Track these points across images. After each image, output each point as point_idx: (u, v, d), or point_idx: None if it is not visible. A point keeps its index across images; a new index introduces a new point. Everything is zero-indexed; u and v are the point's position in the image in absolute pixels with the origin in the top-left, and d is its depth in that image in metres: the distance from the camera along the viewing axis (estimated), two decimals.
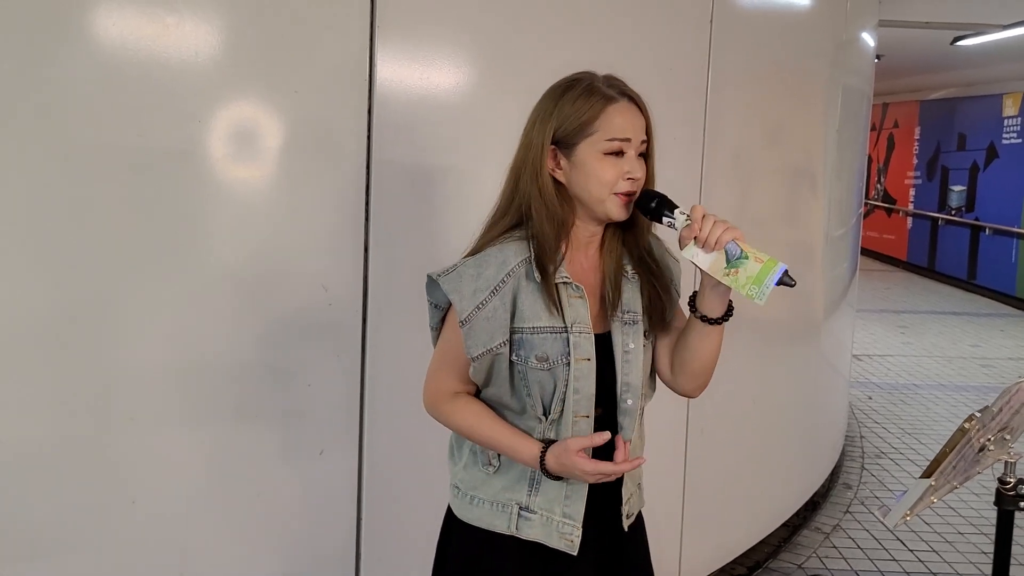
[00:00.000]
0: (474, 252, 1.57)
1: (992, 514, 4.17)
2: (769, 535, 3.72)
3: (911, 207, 12.89)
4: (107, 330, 1.95)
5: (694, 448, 3.09)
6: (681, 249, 1.49)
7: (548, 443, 1.52)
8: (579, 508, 1.56)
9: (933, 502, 1.53)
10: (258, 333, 2.13)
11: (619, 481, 1.60)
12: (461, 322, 1.51)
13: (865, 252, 13.73)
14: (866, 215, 14.03)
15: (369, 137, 2.19)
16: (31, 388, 1.88)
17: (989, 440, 1.48)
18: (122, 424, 1.98)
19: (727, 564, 3.43)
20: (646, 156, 1.55)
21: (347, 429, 2.26)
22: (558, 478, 1.54)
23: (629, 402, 1.56)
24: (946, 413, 5.79)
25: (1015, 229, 10.17)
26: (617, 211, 1.52)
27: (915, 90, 12.60)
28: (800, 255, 3.82)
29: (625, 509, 1.61)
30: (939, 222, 11.95)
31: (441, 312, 1.61)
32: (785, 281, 1.43)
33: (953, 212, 11.66)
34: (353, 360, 2.24)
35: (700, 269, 1.48)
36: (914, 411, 5.82)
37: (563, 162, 1.53)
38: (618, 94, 1.53)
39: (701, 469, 3.14)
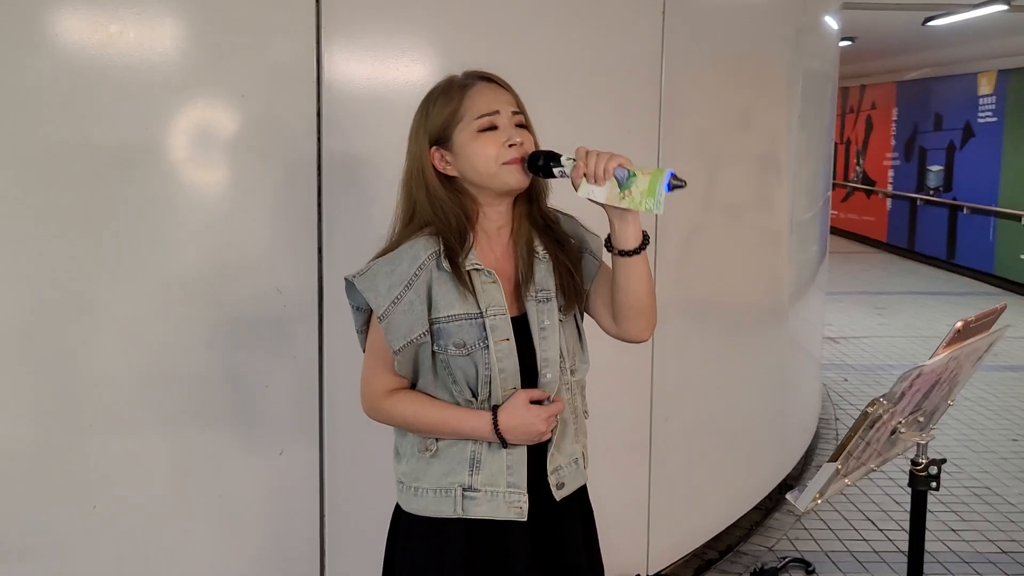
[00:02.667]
0: (385, 252, 1.62)
1: (961, 492, 4.19)
2: (741, 518, 3.76)
3: (890, 188, 12.96)
4: (62, 335, 1.96)
5: (659, 434, 3.13)
6: (576, 191, 1.53)
7: (494, 409, 1.58)
8: (522, 476, 1.61)
9: (847, 484, 1.56)
10: (214, 336, 2.15)
11: (544, 453, 1.64)
12: (379, 317, 1.56)
13: (845, 234, 13.81)
14: (845, 197, 14.10)
15: (319, 139, 2.21)
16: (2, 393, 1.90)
17: (900, 423, 1.51)
18: (81, 429, 2.00)
19: (698, 548, 3.47)
20: (526, 128, 1.61)
21: (307, 429, 2.28)
22: (506, 445, 1.59)
23: (548, 375, 1.62)
24: None
25: (992, 208, 10.24)
26: (513, 178, 1.57)
27: (891, 71, 12.64)
28: (766, 240, 3.85)
29: (553, 479, 1.65)
30: (918, 203, 12.02)
31: (364, 315, 1.66)
32: (676, 184, 1.46)
33: (931, 192, 11.72)
34: (310, 360, 2.26)
35: (598, 203, 1.52)
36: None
37: (448, 156, 1.60)
38: (475, 80, 1.61)
39: (667, 455, 3.18)
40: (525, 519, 1.60)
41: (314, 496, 2.31)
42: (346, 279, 1.62)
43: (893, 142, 12.91)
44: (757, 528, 3.81)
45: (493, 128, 1.57)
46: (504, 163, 1.56)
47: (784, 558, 3.48)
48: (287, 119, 2.18)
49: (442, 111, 1.59)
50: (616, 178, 1.48)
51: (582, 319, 1.72)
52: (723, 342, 3.51)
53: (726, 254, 3.48)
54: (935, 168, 11.68)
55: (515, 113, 1.60)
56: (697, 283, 3.31)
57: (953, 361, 1.61)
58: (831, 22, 4.81)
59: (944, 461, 1.65)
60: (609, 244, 1.58)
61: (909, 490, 1.68)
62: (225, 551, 2.22)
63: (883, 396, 1.46)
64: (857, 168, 13.98)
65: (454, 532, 1.62)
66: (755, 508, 3.88)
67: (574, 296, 1.66)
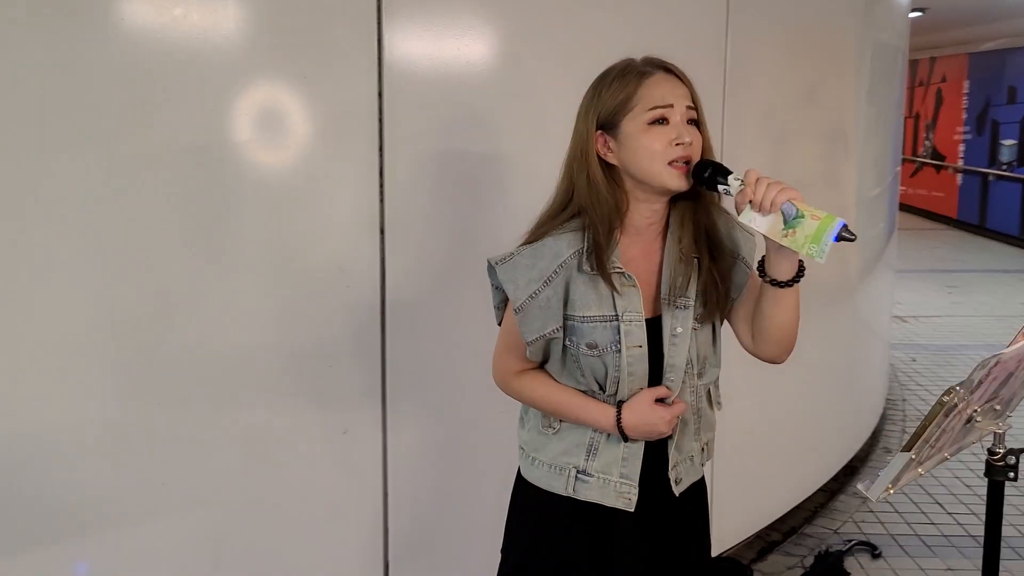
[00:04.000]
0: (532, 240, 1.61)
1: None
2: (805, 500, 3.71)
3: (960, 163, 12.58)
4: (132, 315, 2.00)
5: (723, 415, 3.08)
6: (738, 215, 1.48)
7: (618, 404, 1.61)
8: (635, 469, 1.64)
9: (920, 474, 1.52)
10: (279, 316, 2.17)
11: (665, 450, 1.66)
12: (515, 310, 1.58)
13: (914, 211, 13.45)
14: (914, 172, 13.73)
15: (380, 119, 2.21)
16: (74, 375, 1.95)
17: (976, 411, 1.46)
18: (150, 407, 2.04)
19: (761, 530, 3.43)
20: (698, 125, 1.56)
21: (370, 408, 2.30)
22: (626, 439, 1.61)
23: (672, 379, 1.62)
24: None
25: None
26: (674, 181, 1.52)
27: (963, 43, 12.24)
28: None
29: (672, 475, 1.66)
30: (989, 178, 11.65)
31: (502, 294, 1.66)
32: (845, 236, 1.40)
33: (1004, 167, 11.35)
34: (373, 339, 2.28)
35: (758, 233, 1.47)
36: (960, 373, 5.71)
37: (611, 144, 1.56)
38: (653, 68, 1.56)
39: (730, 436, 3.13)
40: (632, 510, 1.63)
41: (378, 475, 2.34)
42: (488, 261, 1.63)
43: (964, 115, 12.51)
44: (822, 510, 3.75)
45: (664, 121, 1.52)
46: (668, 162, 1.52)
47: (849, 541, 3.42)
48: (349, 99, 2.19)
49: (615, 96, 1.54)
50: (783, 212, 1.43)
51: (721, 325, 1.70)
52: None
53: None
54: (1008, 142, 11.30)
55: (689, 108, 1.55)
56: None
57: None
58: None
59: (1022, 451, 1.59)
60: (761, 268, 1.53)
61: (980, 475, 1.63)
62: (289, 529, 2.26)
63: (959, 384, 1.41)
64: (926, 142, 13.60)
65: (563, 508, 1.67)
66: (820, 490, 3.83)
67: (715, 306, 1.63)
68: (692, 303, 1.61)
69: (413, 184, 2.28)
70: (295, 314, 2.19)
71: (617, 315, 1.57)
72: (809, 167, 3.56)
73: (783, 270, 1.49)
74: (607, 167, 1.58)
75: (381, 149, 2.22)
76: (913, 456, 1.43)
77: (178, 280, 2.04)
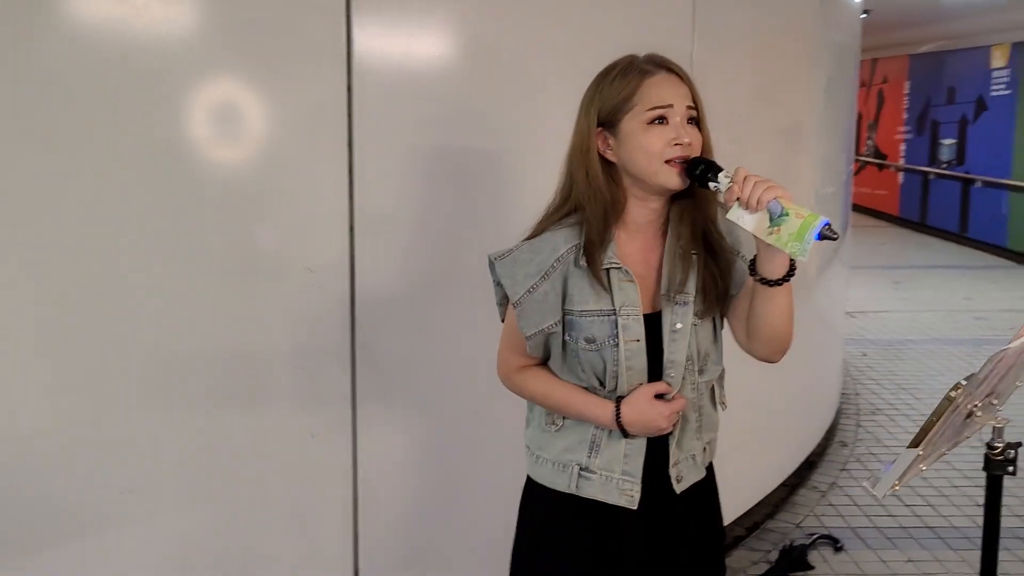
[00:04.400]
0: (532, 236, 1.63)
1: None
2: (767, 495, 3.74)
3: (902, 162, 12.86)
4: (91, 318, 1.93)
5: None
6: (726, 213, 1.50)
7: (617, 400, 1.61)
8: (638, 466, 1.64)
9: (922, 470, 1.53)
10: (245, 317, 2.11)
11: (667, 447, 1.66)
12: (513, 304, 1.61)
13: (857, 208, 13.70)
14: (857, 171, 14.00)
15: (350, 115, 2.16)
16: (25, 378, 1.87)
17: (976, 406, 1.48)
18: (112, 413, 1.97)
19: (726, 526, 3.44)
20: (698, 124, 1.57)
21: (339, 411, 2.25)
22: (626, 434, 1.61)
23: (672, 375, 1.62)
24: (940, 367, 5.81)
25: (1005, 181, 10.15)
26: (671, 180, 1.54)
27: (904, 44, 12.51)
28: None
29: (673, 472, 1.66)
30: (930, 176, 11.93)
31: (503, 290, 1.66)
32: (827, 235, 1.42)
33: (944, 166, 11.63)
34: (342, 341, 2.23)
35: (745, 231, 1.48)
36: (908, 366, 5.84)
37: (611, 141, 1.58)
38: (655, 67, 1.58)
39: None
40: (635, 507, 1.64)
41: (347, 480, 2.28)
42: (489, 258, 1.64)
43: (905, 116, 12.80)
44: (783, 505, 3.78)
45: (663, 121, 1.54)
46: (666, 161, 1.53)
47: (812, 535, 3.45)
48: (317, 95, 2.14)
49: (616, 93, 1.56)
50: (769, 210, 1.44)
51: (721, 323, 1.70)
52: None
53: None
54: (947, 142, 11.59)
55: (690, 107, 1.56)
56: None
57: None
58: None
59: (1020, 444, 1.61)
60: (752, 268, 1.54)
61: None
62: (256, 537, 2.20)
63: (965, 379, 1.42)
64: (869, 142, 13.88)
65: (567, 507, 1.67)
66: (781, 485, 3.86)
67: (715, 301, 1.64)
68: (692, 299, 1.61)
69: (383, 181, 2.24)
70: (262, 315, 2.13)
71: (615, 309, 1.58)
72: (767, 166, 3.58)
73: (773, 268, 1.50)
74: (607, 164, 1.59)
75: (350, 145, 2.17)
76: (920, 452, 1.43)
77: (141, 280, 1.97)
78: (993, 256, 10.18)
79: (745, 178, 1.46)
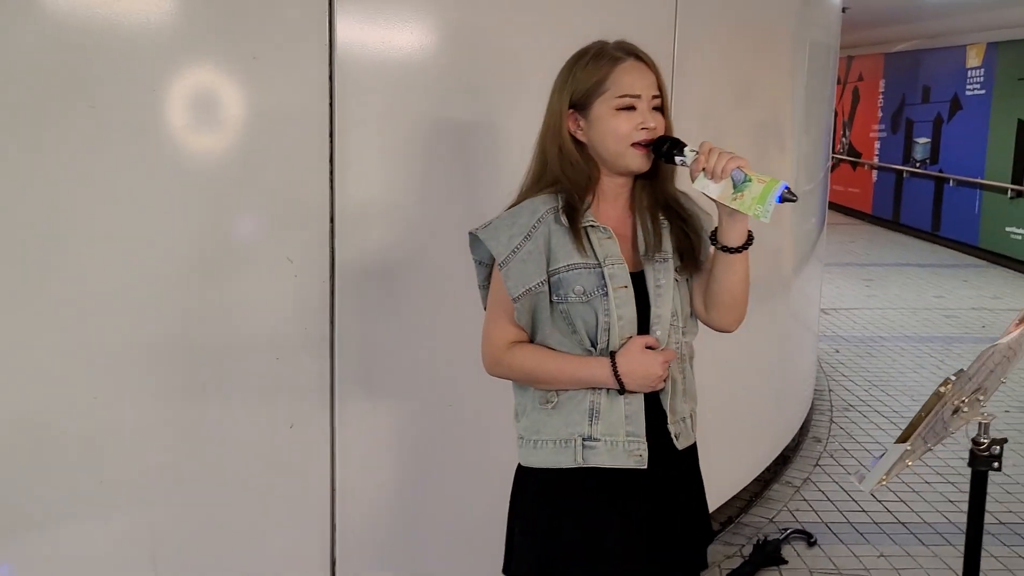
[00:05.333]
0: (510, 208, 1.71)
1: (958, 463, 4.22)
2: (741, 491, 3.76)
3: (876, 160, 12.97)
4: (67, 305, 1.90)
5: None
6: (693, 182, 1.60)
7: (611, 355, 1.65)
8: (640, 426, 1.68)
9: (908, 465, 1.55)
10: (223, 306, 2.09)
11: (661, 408, 1.71)
12: (499, 265, 1.65)
13: (830, 206, 13.81)
14: (832, 169, 14.10)
15: (331, 104, 2.14)
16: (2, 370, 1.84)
17: (963, 402, 1.50)
18: (87, 401, 1.94)
19: None
20: (661, 110, 1.68)
21: (318, 401, 2.23)
22: (623, 391, 1.65)
23: (658, 332, 1.68)
24: (912, 364, 5.87)
25: (978, 180, 10.27)
26: (637, 162, 1.65)
27: (880, 42, 12.61)
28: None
29: (672, 429, 1.72)
30: (903, 175, 12.04)
31: (486, 269, 1.74)
32: (788, 197, 1.53)
33: (918, 164, 11.74)
34: (322, 331, 2.21)
35: (710, 198, 1.59)
36: (880, 363, 5.90)
37: (582, 122, 1.68)
38: (625, 54, 1.67)
39: None
40: (645, 467, 1.66)
41: (325, 471, 2.27)
42: (470, 233, 1.70)
43: (880, 114, 12.90)
44: (757, 500, 3.81)
45: (631, 108, 1.64)
46: (632, 144, 1.63)
47: (786, 530, 3.48)
48: (298, 83, 2.11)
49: (588, 78, 1.65)
50: (732, 179, 1.55)
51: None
52: None
53: None
54: (922, 140, 11.70)
55: (655, 96, 1.66)
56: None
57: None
58: None
59: (1005, 441, 1.64)
60: (714, 238, 1.65)
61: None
62: (232, 528, 2.18)
63: (955, 375, 1.44)
64: (843, 140, 13.98)
65: (574, 482, 1.68)
66: (755, 480, 3.89)
67: (691, 259, 1.72)
68: (670, 256, 1.70)
69: (365, 171, 2.22)
70: (241, 304, 2.11)
71: (599, 262, 1.64)
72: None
73: (733, 236, 1.62)
74: (577, 144, 1.69)
75: (332, 134, 2.15)
76: (909, 447, 1.45)
77: (118, 269, 1.94)
78: (965, 255, 10.31)
79: (710, 150, 1.58)
